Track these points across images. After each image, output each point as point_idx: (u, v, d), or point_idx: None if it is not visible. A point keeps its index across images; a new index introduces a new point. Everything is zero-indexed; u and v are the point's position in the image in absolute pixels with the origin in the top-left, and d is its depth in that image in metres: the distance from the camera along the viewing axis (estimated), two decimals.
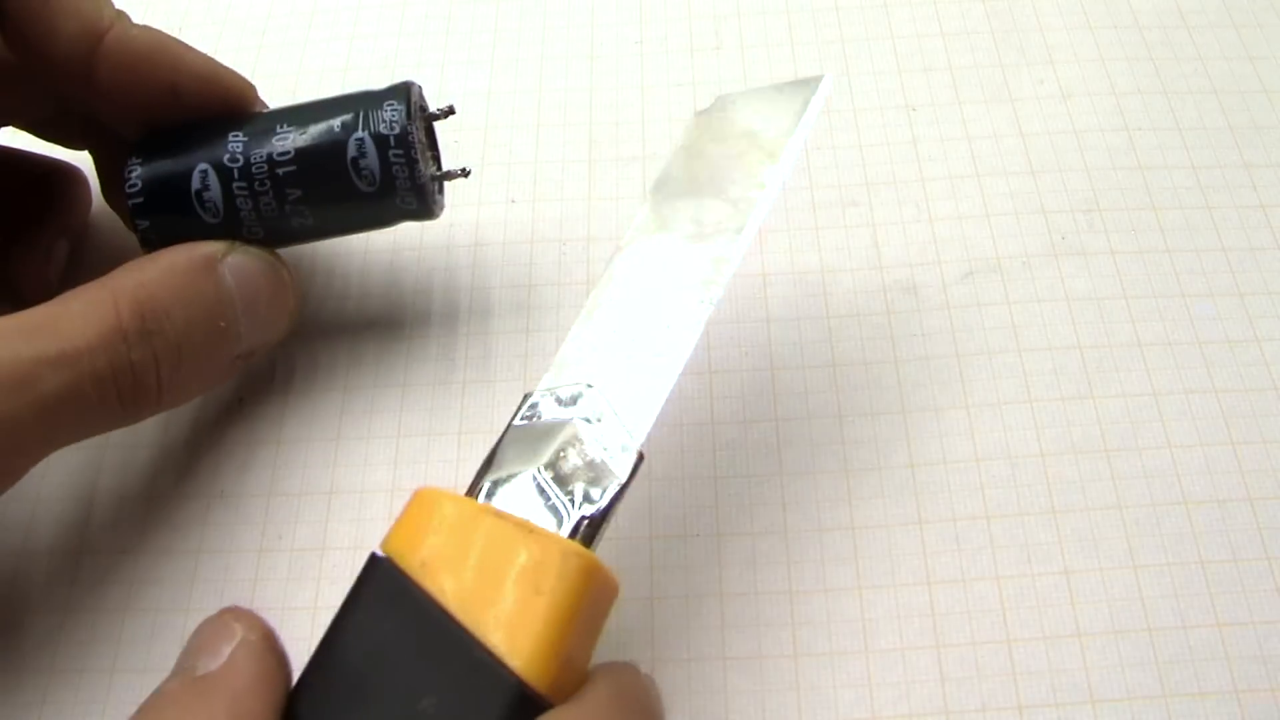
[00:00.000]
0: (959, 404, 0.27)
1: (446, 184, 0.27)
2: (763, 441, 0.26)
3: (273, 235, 0.25)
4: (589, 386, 0.22)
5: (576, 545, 0.19)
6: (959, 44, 0.33)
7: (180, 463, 0.27)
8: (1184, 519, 0.25)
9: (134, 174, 0.25)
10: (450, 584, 0.19)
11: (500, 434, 0.22)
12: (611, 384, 0.22)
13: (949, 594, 0.24)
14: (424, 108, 0.26)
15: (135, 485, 0.26)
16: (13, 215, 0.29)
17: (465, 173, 0.26)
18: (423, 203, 0.25)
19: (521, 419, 0.22)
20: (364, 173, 0.24)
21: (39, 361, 0.20)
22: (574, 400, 0.22)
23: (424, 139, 0.25)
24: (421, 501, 0.20)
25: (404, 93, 0.25)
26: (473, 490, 0.21)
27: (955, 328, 0.28)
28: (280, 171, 0.24)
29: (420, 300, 0.29)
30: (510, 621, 0.18)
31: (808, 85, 0.24)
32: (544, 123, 0.32)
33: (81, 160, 0.30)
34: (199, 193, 0.25)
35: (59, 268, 0.29)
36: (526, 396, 0.22)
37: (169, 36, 0.26)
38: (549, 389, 0.22)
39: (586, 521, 0.20)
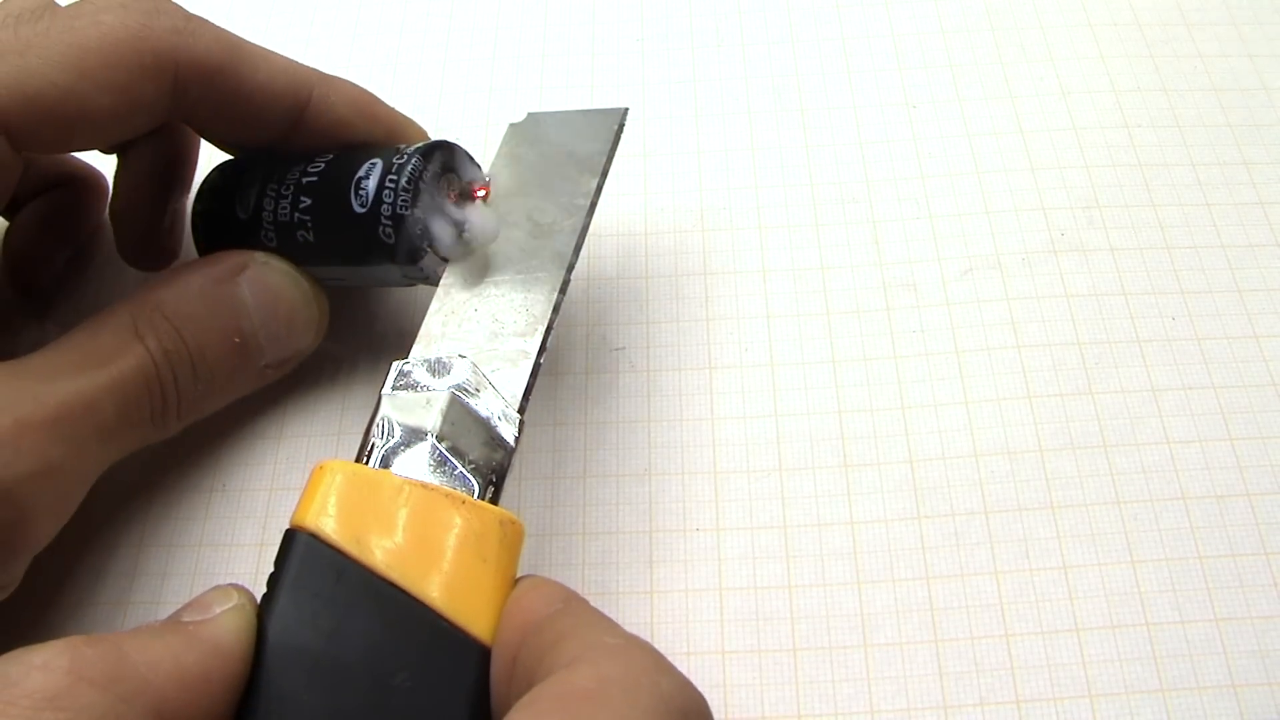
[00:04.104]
0: (958, 400, 0.27)
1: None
2: (762, 437, 0.26)
3: (283, 245, 0.26)
4: (461, 356, 0.22)
5: (508, 513, 0.20)
6: (959, 41, 0.33)
7: (181, 457, 0.27)
8: (1182, 514, 0.25)
9: (228, 161, 0.27)
10: (390, 556, 0.19)
11: (375, 404, 0.22)
12: (480, 356, 0.23)
13: (947, 589, 0.24)
14: (455, 170, 0.26)
15: (136, 479, 0.27)
16: (30, 212, 0.29)
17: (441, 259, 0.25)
18: (402, 240, 0.24)
19: (394, 388, 0.22)
20: (360, 191, 0.24)
21: (99, 391, 0.22)
22: (447, 369, 0.22)
23: (441, 201, 0.25)
24: (335, 475, 0.20)
25: (438, 148, 0.25)
26: (363, 460, 0.21)
27: (955, 324, 0.28)
28: (304, 181, 0.25)
29: (425, 297, 0.29)
30: (462, 590, 0.19)
31: (613, 113, 0.26)
32: None
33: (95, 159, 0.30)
34: (245, 188, 0.26)
35: (56, 271, 0.29)
36: (395, 365, 0.22)
37: (369, 95, 0.26)
38: (420, 359, 0.22)
39: (493, 488, 0.21)
